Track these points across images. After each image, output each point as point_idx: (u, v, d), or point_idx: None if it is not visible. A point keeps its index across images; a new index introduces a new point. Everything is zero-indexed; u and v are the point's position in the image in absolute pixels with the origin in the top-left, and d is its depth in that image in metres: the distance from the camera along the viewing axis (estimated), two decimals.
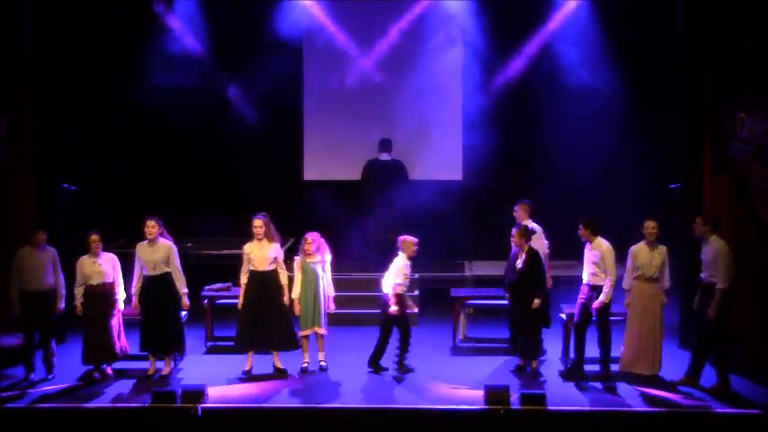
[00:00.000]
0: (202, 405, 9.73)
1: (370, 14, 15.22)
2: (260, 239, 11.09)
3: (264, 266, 11.05)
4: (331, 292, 11.35)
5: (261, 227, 11.06)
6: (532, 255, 10.99)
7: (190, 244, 13.77)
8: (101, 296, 10.93)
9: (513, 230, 11.12)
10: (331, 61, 15.28)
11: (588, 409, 9.87)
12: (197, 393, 9.81)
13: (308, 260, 11.23)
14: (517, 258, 11.04)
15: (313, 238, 11.22)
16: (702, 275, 10.56)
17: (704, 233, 10.52)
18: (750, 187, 10.93)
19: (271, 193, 15.29)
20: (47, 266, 10.93)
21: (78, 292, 10.98)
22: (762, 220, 10.82)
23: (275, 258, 11.10)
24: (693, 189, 11.85)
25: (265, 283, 11.06)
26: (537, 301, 10.89)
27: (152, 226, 10.95)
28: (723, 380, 10.45)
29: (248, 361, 11.11)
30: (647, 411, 9.86)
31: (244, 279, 11.13)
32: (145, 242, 11.02)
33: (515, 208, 11.92)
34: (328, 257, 11.36)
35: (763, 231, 11.05)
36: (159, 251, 10.96)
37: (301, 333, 11.27)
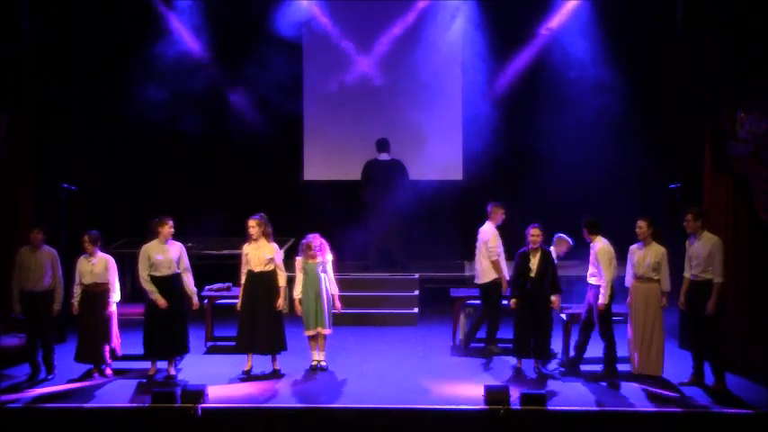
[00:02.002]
0: (202, 405, 9.73)
1: (370, 14, 15.24)
2: (255, 240, 11.08)
3: (261, 267, 11.05)
4: (335, 290, 11.37)
5: (254, 227, 11.05)
6: (548, 255, 11.02)
7: (190, 244, 13.74)
8: (93, 296, 10.96)
9: (533, 230, 10.98)
10: (331, 61, 15.30)
11: (588, 409, 9.87)
12: (197, 393, 9.81)
13: (309, 261, 11.25)
14: (528, 260, 10.97)
15: (315, 241, 11.24)
16: (693, 272, 10.56)
17: (696, 229, 10.57)
18: (750, 187, 10.92)
19: (271, 193, 15.32)
20: (45, 267, 10.94)
21: (76, 291, 11.01)
22: (762, 220, 10.81)
23: (271, 259, 11.09)
24: (693, 189, 11.84)
25: (261, 284, 11.08)
26: (555, 299, 11.00)
27: (171, 226, 10.99)
28: (719, 378, 10.46)
29: (248, 361, 11.11)
30: (648, 411, 9.85)
31: (243, 279, 11.16)
32: (154, 243, 10.99)
33: (493, 209, 11.95)
34: (330, 257, 11.38)
35: (763, 231, 11.05)
36: (174, 251, 11.01)
37: (306, 333, 11.30)
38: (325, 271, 11.31)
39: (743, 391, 10.42)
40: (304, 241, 11.29)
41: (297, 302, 11.27)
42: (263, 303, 11.06)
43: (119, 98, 14.58)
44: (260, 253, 11.06)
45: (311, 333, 11.30)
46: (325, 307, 11.28)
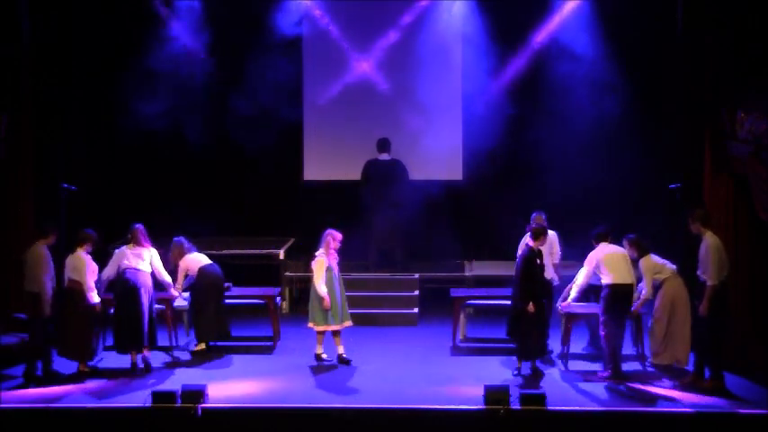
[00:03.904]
0: (202, 405, 9.74)
1: (370, 14, 15.23)
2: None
3: None
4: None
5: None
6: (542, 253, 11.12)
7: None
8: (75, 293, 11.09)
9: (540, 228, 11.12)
10: (331, 61, 15.29)
11: (588, 409, 9.87)
12: (197, 393, 9.81)
13: (330, 257, 11.42)
14: (535, 260, 10.96)
15: (340, 236, 11.46)
16: (698, 272, 10.63)
17: (697, 230, 10.62)
18: (750, 187, 10.93)
19: (271, 193, 15.32)
20: (48, 266, 10.95)
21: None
22: (762, 220, 10.81)
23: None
24: (693, 189, 11.85)
25: None
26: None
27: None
28: (714, 375, 10.48)
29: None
30: (648, 411, 9.85)
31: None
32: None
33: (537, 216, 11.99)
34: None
35: (763, 231, 11.05)
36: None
37: (330, 329, 11.45)
38: (338, 266, 11.55)
39: (743, 390, 10.43)
40: (333, 236, 11.45)
41: (327, 298, 11.32)
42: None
43: (119, 98, 14.54)
44: None
45: (336, 328, 11.45)
46: (344, 302, 11.61)
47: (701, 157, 11.85)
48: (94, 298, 11.04)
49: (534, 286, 10.88)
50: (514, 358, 11.16)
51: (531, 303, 10.79)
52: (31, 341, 11.04)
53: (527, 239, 11.18)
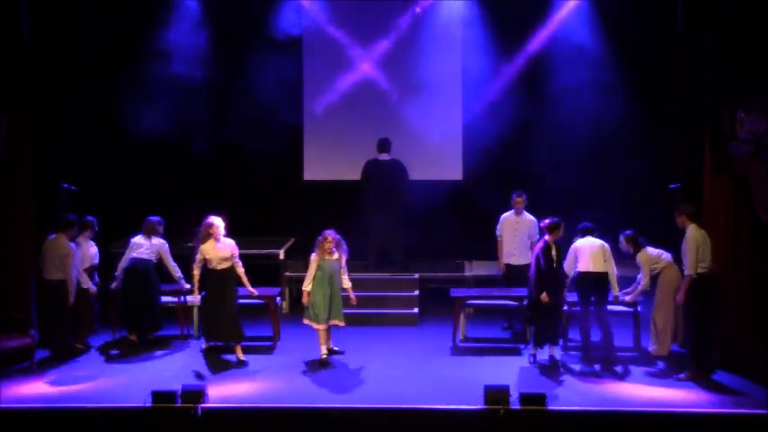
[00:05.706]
0: (202, 405, 9.74)
1: (370, 14, 15.25)
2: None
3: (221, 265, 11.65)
4: (348, 284, 11.72)
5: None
6: (559, 245, 11.34)
7: (191, 244, 13.74)
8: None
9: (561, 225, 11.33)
10: (331, 61, 15.30)
11: (588, 409, 9.87)
12: (197, 393, 9.81)
13: (326, 257, 11.49)
14: (551, 252, 11.20)
15: (333, 237, 11.51)
16: (682, 265, 10.85)
17: (682, 223, 10.89)
18: (750, 187, 10.93)
19: (271, 193, 15.31)
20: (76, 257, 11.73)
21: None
22: (762, 220, 10.81)
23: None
24: (693, 189, 11.86)
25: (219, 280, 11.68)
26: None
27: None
28: (701, 370, 10.55)
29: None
30: (648, 411, 9.85)
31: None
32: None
33: (518, 198, 12.84)
34: (344, 255, 11.69)
35: (763, 231, 11.05)
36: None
37: (319, 326, 11.53)
38: (341, 266, 11.61)
39: (743, 390, 10.42)
40: (325, 237, 11.55)
41: (305, 294, 11.48)
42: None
43: (119, 98, 14.56)
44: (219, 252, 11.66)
45: (323, 326, 11.52)
46: (340, 301, 11.66)
47: (701, 157, 11.84)
48: (87, 284, 12.07)
49: (546, 278, 11.16)
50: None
51: (545, 293, 11.08)
52: (54, 326, 11.54)
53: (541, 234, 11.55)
